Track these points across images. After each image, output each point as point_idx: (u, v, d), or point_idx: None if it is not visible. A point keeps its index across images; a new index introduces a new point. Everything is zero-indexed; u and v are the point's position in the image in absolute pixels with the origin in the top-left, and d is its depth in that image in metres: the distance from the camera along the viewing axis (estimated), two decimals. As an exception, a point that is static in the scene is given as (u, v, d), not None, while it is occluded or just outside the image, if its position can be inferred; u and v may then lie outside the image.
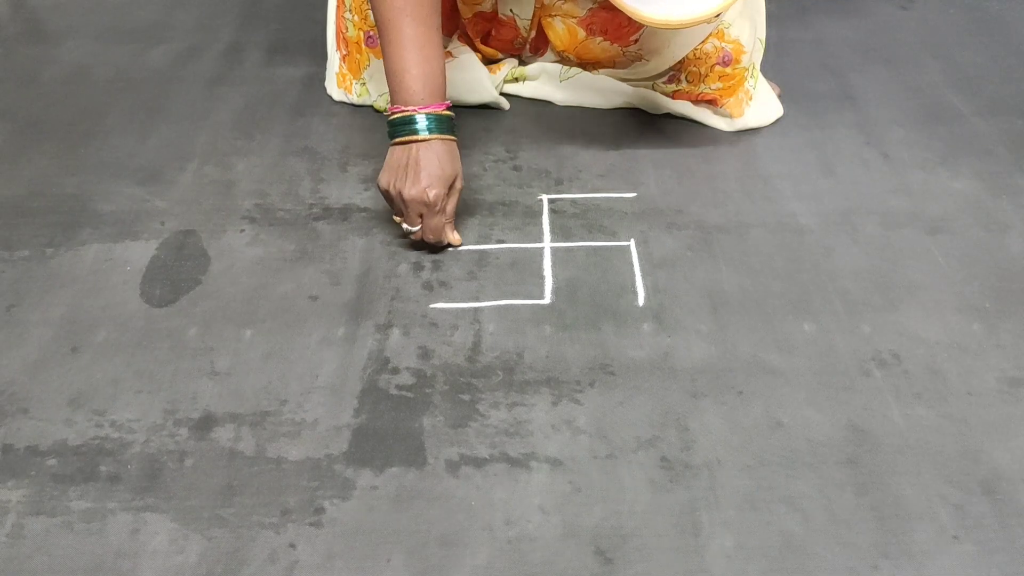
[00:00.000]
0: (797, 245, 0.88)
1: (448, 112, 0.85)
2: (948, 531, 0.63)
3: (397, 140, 0.84)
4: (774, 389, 0.73)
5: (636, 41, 1.01)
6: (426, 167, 0.83)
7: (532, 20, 1.04)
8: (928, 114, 1.08)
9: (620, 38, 1.01)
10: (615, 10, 0.85)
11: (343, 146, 1.03)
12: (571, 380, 0.74)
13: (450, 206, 0.85)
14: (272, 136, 1.05)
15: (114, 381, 0.74)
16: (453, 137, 0.85)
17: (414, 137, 0.83)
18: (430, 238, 0.85)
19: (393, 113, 0.85)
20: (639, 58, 1.03)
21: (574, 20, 1.02)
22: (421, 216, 0.84)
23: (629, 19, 0.83)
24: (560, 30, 1.03)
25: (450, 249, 0.88)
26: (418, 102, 0.84)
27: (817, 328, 0.79)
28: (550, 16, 1.03)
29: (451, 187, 0.84)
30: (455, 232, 0.87)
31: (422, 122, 0.83)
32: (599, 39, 1.02)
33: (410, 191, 0.82)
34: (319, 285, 0.84)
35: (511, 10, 1.03)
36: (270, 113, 1.09)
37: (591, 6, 0.99)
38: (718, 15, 0.84)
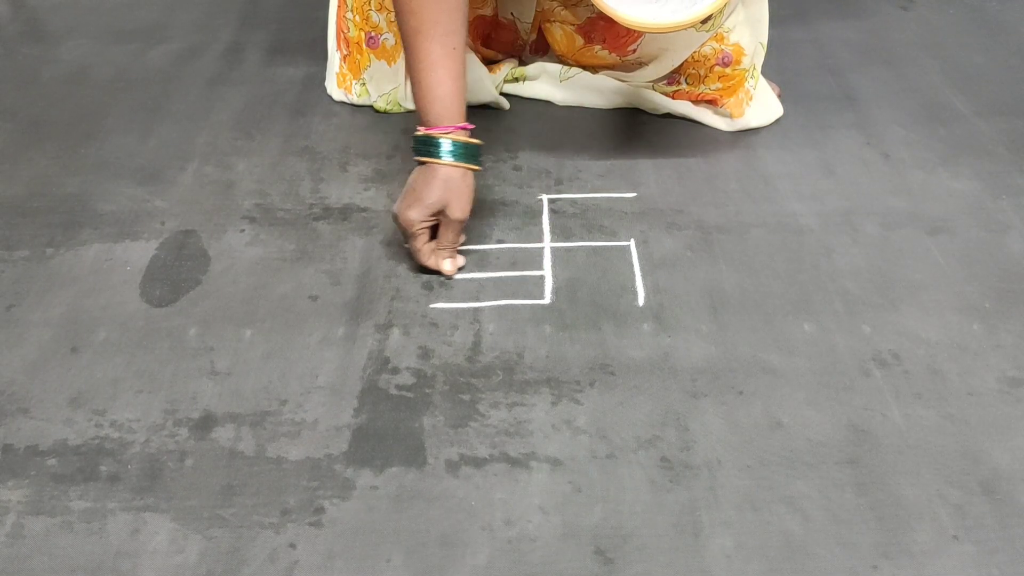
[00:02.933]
0: (797, 245, 0.88)
1: (453, 138, 0.80)
2: (948, 531, 0.63)
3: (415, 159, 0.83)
4: (774, 389, 0.73)
5: (635, 51, 1.01)
6: (411, 189, 0.81)
7: (533, 23, 1.04)
8: (928, 114, 1.08)
9: (619, 48, 1.01)
10: (613, 20, 0.85)
11: (343, 146, 1.03)
12: (571, 380, 0.74)
13: (443, 235, 0.82)
14: (272, 136, 1.05)
15: (114, 381, 0.74)
16: (456, 164, 0.80)
17: (418, 158, 0.82)
18: (416, 260, 0.84)
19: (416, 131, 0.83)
20: (639, 65, 1.03)
21: (572, 27, 1.02)
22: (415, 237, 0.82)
23: (627, 28, 0.83)
24: (559, 36, 1.03)
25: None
26: (430, 123, 0.81)
27: (817, 328, 0.79)
28: (549, 21, 1.03)
29: (444, 214, 0.81)
30: (446, 261, 0.83)
31: (418, 144, 0.82)
32: (598, 47, 1.02)
33: (393, 208, 0.83)
34: (319, 285, 0.84)
35: (512, 13, 1.03)
36: (270, 113, 1.09)
37: (590, 14, 0.99)
38: (707, 20, 0.84)
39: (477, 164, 0.82)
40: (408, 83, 1.06)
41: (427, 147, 0.81)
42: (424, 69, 0.81)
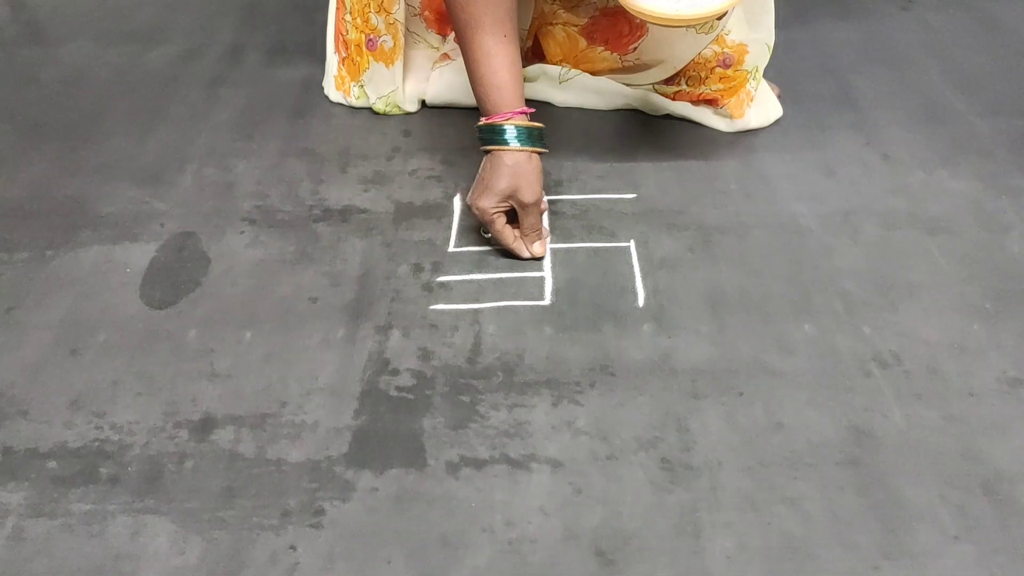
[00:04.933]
0: (797, 246, 0.88)
1: (515, 123, 0.82)
2: (949, 531, 0.63)
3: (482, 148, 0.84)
4: (774, 390, 0.73)
5: (635, 50, 1.01)
6: (481, 178, 0.84)
7: (529, 30, 1.04)
8: (928, 114, 1.08)
9: (620, 47, 1.01)
10: (616, 16, 0.85)
11: (343, 147, 1.03)
12: (571, 381, 0.74)
13: (523, 220, 0.84)
14: (272, 137, 1.05)
15: (114, 383, 0.74)
16: (522, 148, 0.82)
17: (484, 147, 0.83)
18: (501, 245, 0.86)
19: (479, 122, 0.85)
20: (638, 67, 1.03)
21: (575, 28, 1.02)
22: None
23: (628, 26, 0.83)
24: (560, 38, 1.03)
25: (450, 250, 0.88)
26: (490, 112, 0.83)
27: (817, 329, 0.79)
28: (550, 24, 1.03)
29: (516, 199, 0.83)
30: (532, 246, 0.85)
31: (483, 133, 0.83)
32: (599, 48, 1.02)
33: (467, 200, 0.85)
34: (319, 287, 0.84)
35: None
36: (270, 115, 1.09)
37: (593, 13, 0.99)
38: (722, 16, 0.83)
39: (542, 146, 0.84)
40: (406, 83, 1.07)
41: (491, 135, 0.83)
42: (479, 60, 0.82)
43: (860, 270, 0.85)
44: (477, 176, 0.85)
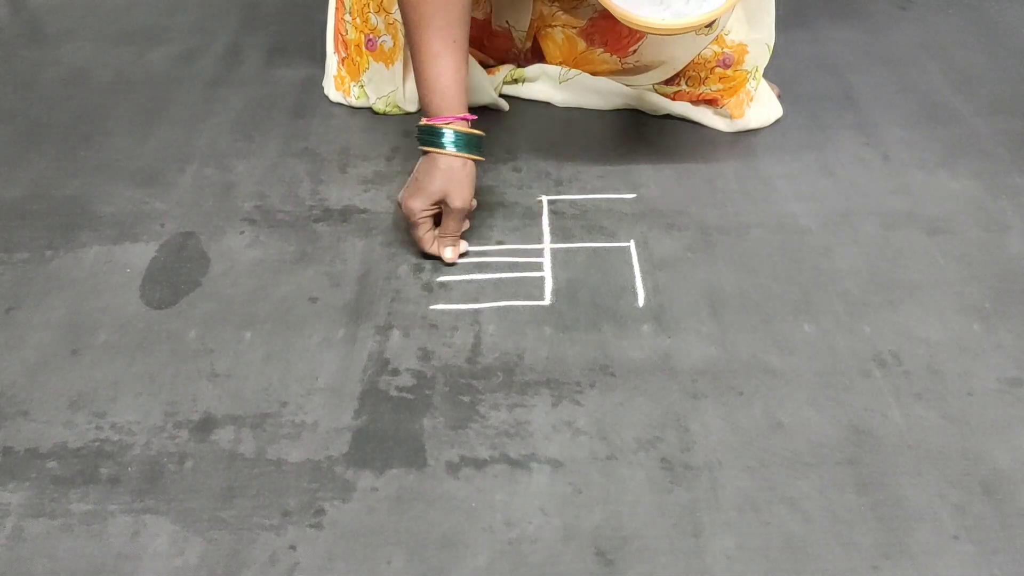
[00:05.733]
0: (797, 246, 0.88)
1: (454, 128, 0.82)
2: (948, 531, 0.63)
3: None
4: (774, 390, 0.73)
5: (635, 52, 1.01)
6: (414, 179, 0.84)
7: (528, 31, 1.04)
8: (928, 114, 1.08)
9: (620, 49, 1.01)
10: (615, 19, 0.85)
11: (342, 147, 1.03)
12: (571, 381, 0.74)
13: (445, 223, 0.84)
14: (271, 138, 1.05)
15: (114, 383, 0.74)
16: (457, 154, 0.82)
17: (422, 148, 0.83)
18: (419, 247, 0.86)
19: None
20: (638, 69, 1.03)
21: (574, 30, 1.02)
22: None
23: (628, 28, 0.83)
24: (560, 40, 1.03)
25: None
26: (431, 114, 0.83)
27: (817, 328, 0.79)
28: (549, 27, 1.03)
29: (445, 203, 0.83)
30: (447, 249, 0.85)
31: (421, 134, 0.83)
32: (599, 50, 1.02)
33: (398, 197, 0.85)
34: (319, 287, 0.84)
35: (507, 21, 1.03)
36: (269, 115, 1.09)
37: (592, 15, 0.99)
38: (708, 25, 0.83)
39: (478, 154, 0.84)
40: (406, 83, 1.07)
41: (429, 136, 0.83)
42: (425, 61, 0.82)
43: (860, 270, 0.85)
44: (411, 175, 0.84)
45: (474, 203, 0.86)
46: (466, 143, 0.83)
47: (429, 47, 0.81)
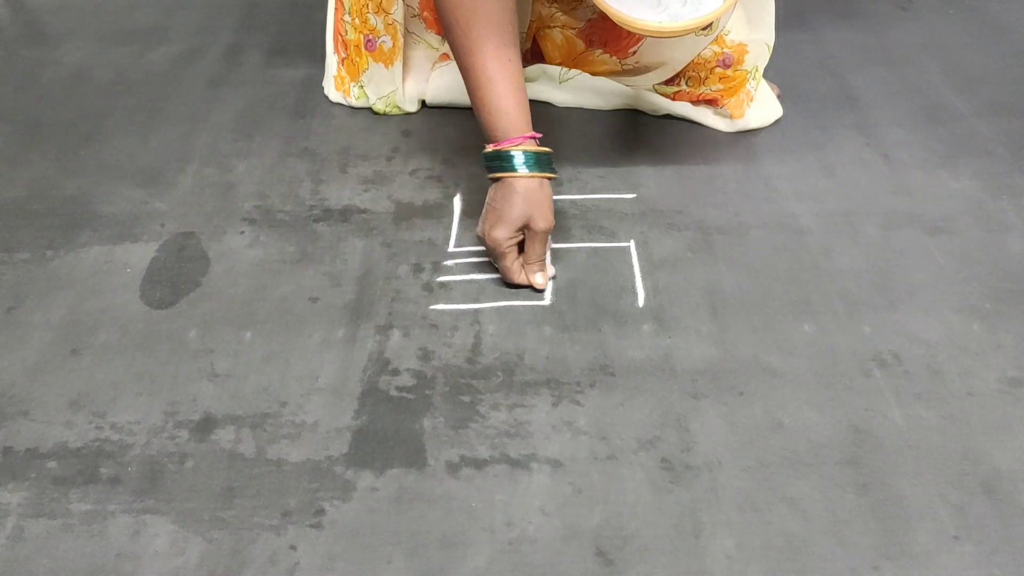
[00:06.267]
0: (797, 246, 0.88)
1: (524, 148, 0.79)
2: (948, 531, 0.63)
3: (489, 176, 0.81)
4: (774, 390, 0.73)
5: (635, 53, 1.01)
6: (492, 208, 0.80)
7: (528, 32, 1.03)
8: (928, 114, 1.08)
9: (619, 51, 1.01)
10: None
11: (343, 147, 1.03)
12: (571, 381, 0.74)
13: (530, 249, 0.81)
14: (272, 138, 1.05)
15: (114, 383, 0.74)
16: (532, 175, 0.79)
17: (493, 175, 0.81)
18: (508, 279, 0.83)
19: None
20: (638, 70, 1.03)
21: (573, 31, 1.02)
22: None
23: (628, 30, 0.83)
24: (559, 41, 1.03)
25: (450, 250, 0.88)
26: (498, 138, 0.80)
27: (817, 328, 0.79)
28: (548, 27, 1.03)
29: (528, 228, 0.80)
30: (538, 276, 0.82)
31: (489, 161, 0.80)
32: (598, 51, 1.02)
33: (477, 231, 0.82)
34: (319, 287, 0.84)
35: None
36: (270, 115, 1.09)
37: (591, 16, 0.99)
38: (707, 26, 0.83)
39: (552, 172, 0.81)
40: (406, 83, 1.07)
41: (500, 162, 0.80)
42: (483, 86, 0.79)
43: (860, 270, 0.85)
44: (486, 206, 0.81)
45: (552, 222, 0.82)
46: (537, 162, 0.79)
47: (484, 71, 0.79)
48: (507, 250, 0.81)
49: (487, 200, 0.82)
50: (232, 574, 0.61)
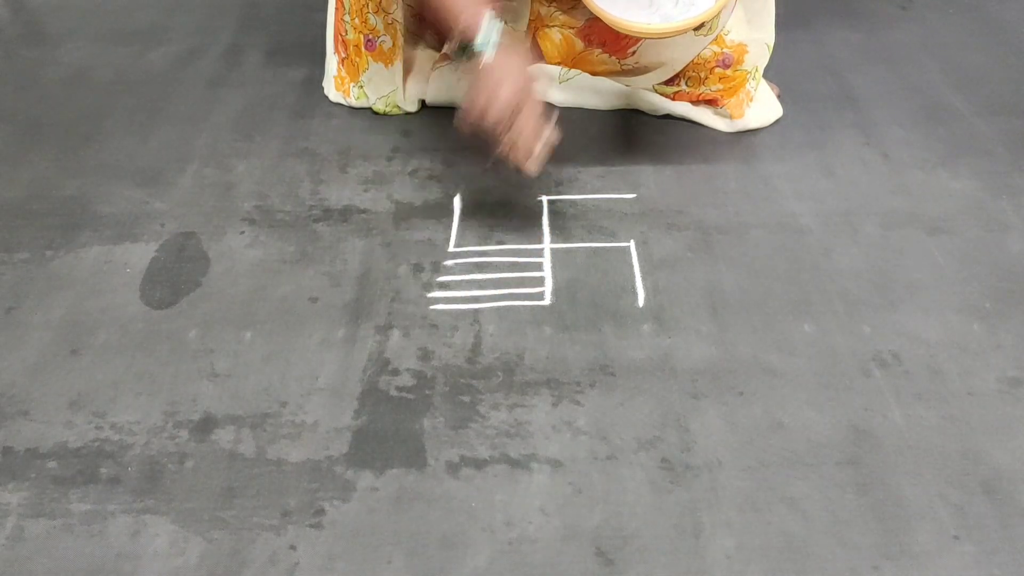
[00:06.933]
0: (797, 245, 0.88)
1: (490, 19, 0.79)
2: (949, 531, 0.63)
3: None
4: (774, 390, 0.73)
5: (634, 54, 1.01)
6: (483, 85, 0.80)
7: (526, 32, 1.03)
8: (928, 114, 1.08)
9: (619, 51, 1.01)
10: None
11: (343, 148, 1.03)
12: (571, 381, 0.74)
13: (521, 122, 0.80)
14: (272, 138, 1.05)
15: (114, 383, 0.74)
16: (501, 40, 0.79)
17: (471, 57, 0.81)
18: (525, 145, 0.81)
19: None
20: (638, 71, 1.03)
21: (572, 30, 1.01)
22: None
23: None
24: (558, 41, 1.03)
25: (450, 250, 0.88)
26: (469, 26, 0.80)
27: (817, 328, 0.79)
28: (546, 27, 1.02)
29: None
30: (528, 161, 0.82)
31: (462, 49, 0.80)
32: (597, 51, 1.02)
33: (467, 116, 0.82)
34: (319, 287, 0.84)
35: (505, 21, 1.03)
36: (270, 115, 1.09)
37: (590, 15, 0.99)
38: (701, 25, 0.83)
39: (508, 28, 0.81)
40: (406, 83, 1.07)
41: (475, 44, 0.80)
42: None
43: (860, 270, 0.85)
44: (471, 92, 0.81)
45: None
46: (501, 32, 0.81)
47: None
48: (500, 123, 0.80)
49: (476, 81, 0.81)
50: (232, 574, 0.61)
